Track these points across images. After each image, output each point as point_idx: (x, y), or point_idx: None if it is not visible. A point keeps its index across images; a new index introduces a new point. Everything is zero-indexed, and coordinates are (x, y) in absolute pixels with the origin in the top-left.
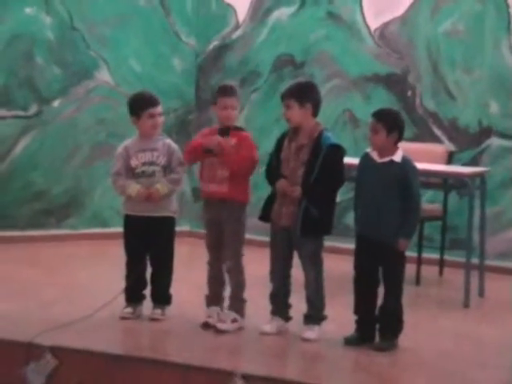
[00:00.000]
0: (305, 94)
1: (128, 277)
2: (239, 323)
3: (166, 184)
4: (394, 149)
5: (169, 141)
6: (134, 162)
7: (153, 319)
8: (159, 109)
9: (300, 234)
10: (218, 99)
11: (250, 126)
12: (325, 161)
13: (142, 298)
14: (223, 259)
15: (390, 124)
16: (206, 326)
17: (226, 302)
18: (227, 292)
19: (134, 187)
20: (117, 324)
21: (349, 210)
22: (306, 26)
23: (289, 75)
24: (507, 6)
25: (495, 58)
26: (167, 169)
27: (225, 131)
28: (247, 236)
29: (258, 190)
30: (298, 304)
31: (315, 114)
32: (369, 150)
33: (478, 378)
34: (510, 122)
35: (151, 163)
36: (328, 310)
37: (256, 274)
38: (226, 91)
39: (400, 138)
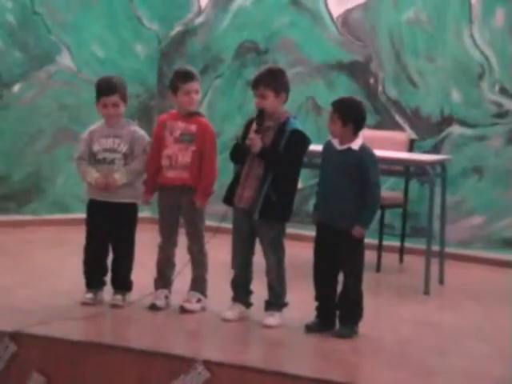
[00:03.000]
0: (280, 83)
1: (86, 262)
2: (203, 303)
3: (125, 173)
4: (353, 137)
5: (135, 128)
6: (95, 148)
7: (113, 305)
8: (113, 98)
9: (258, 217)
10: (179, 85)
11: (213, 112)
12: (287, 144)
13: (102, 283)
14: (182, 243)
15: (345, 116)
16: (154, 307)
17: (180, 285)
18: (177, 274)
19: (92, 175)
20: (77, 310)
21: (311, 197)
22: (270, 12)
23: (252, 62)
24: None
25: (457, 47)
26: (129, 157)
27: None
28: (212, 223)
29: (221, 175)
30: (260, 290)
31: (286, 101)
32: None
33: (438, 365)
34: (471, 110)
35: (112, 150)
36: (289, 297)
37: (218, 261)
38: (187, 76)
39: (357, 129)
